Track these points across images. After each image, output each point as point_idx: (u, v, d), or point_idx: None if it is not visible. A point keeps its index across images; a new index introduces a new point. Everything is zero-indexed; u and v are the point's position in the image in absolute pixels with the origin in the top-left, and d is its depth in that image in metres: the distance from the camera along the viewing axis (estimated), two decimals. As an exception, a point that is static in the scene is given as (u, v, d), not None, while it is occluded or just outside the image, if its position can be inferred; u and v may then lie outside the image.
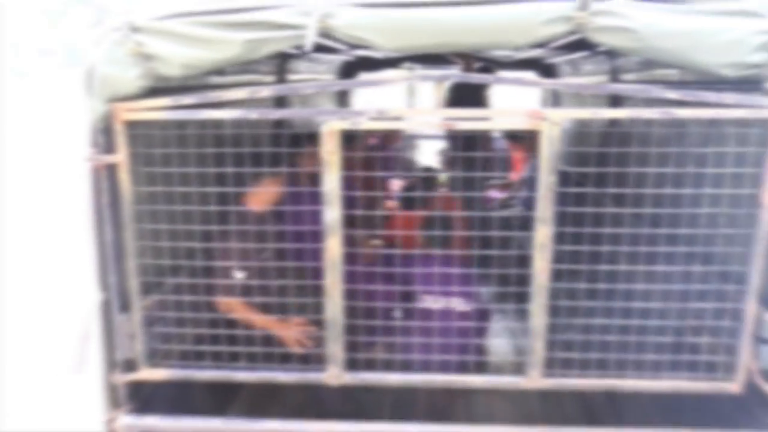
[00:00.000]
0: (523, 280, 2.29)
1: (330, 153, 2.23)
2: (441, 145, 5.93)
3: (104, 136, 2.28)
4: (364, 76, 5.34)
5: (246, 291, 2.92)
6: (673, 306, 2.28)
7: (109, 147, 2.28)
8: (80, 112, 2.26)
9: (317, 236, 2.35)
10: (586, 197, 2.32)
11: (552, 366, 2.28)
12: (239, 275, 2.93)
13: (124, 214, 2.36)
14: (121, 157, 2.28)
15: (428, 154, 6.21)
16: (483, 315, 3.02)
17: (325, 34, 2.18)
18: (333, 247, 2.32)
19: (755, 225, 2.12)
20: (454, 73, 3.62)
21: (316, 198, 2.31)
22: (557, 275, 2.23)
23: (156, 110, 2.27)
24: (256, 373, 2.54)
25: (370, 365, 2.53)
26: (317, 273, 2.41)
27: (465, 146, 3.03)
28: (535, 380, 2.28)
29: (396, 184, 4.73)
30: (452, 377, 2.52)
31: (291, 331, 2.97)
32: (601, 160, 2.38)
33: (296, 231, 2.67)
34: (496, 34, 2.07)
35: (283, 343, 2.92)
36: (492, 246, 2.47)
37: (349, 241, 2.40)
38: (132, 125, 2.29)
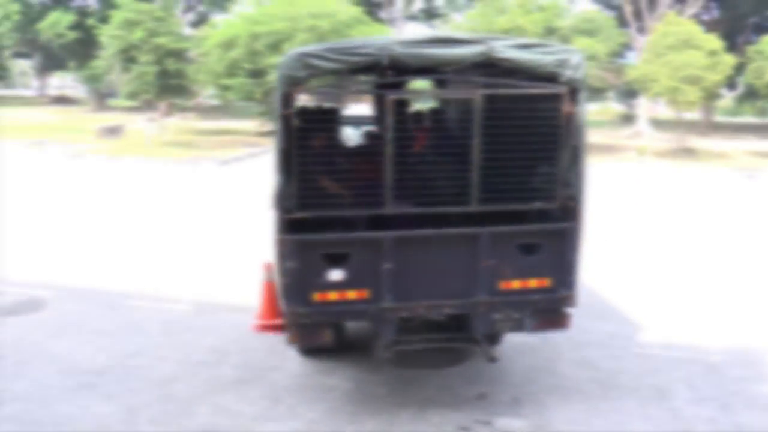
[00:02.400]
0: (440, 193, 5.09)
1: (390, 113, 4.88)
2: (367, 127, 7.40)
3: (285, 101, 4.76)
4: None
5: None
6: (534, 179, 5.22)
7: (287, 106, 4.77)
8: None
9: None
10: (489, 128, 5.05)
11: (482, 200, 5.06)
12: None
13: (292, 136, 4.80)
14: (291, 111, 4.80)
15: (353, 136, 7.79)
16: None
17: (390, 58, 4.75)
18: (389, 149, 4.91)
19: (558, 142, 5.10)
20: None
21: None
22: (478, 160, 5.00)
23: (310, 90, 5.17)
24: (353, 210, 5.17)
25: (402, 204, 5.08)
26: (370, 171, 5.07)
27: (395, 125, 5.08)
28: (474, 207, 5.10)
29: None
30: (436, 208, 5.12)
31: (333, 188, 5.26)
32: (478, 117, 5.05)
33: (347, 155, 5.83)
34: (459, 59, 4.85)
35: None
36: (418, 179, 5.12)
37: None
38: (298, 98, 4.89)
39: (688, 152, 24.96)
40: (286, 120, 4.79)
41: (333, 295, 4.99)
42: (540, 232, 5.29)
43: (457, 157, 5.10)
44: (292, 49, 4.88)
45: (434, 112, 6.93)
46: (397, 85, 6.07)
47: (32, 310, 7.49)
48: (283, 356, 6.37)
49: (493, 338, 5.87)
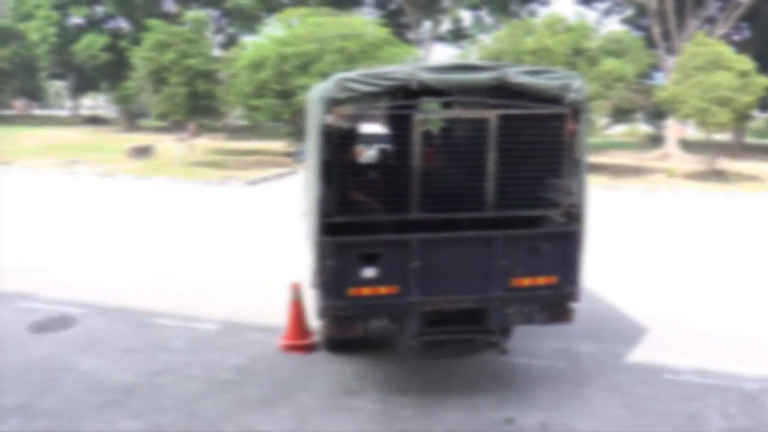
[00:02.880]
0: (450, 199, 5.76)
1: (416, 129, 5.69)
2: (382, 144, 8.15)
3: (326, 119, 5.47)
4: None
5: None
6: (541, 188, 5.98)
7: (328, 123, 5.51)
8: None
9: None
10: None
11: (496, 206, 5.81)
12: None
13: (332, 150, 5.62)
14: (332, 128, 5.59)
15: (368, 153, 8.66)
16: None
17: (419, 83, 5.44)
18: (416, 162, 5.68)
19: (562, 156, 5.82)
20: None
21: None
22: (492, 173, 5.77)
23: (346, 109, 5.69)
24: (383, 216, 5.77)
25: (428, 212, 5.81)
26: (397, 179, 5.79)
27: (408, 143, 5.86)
28: (490, 213, 5.82)
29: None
30: (458, 214, 5.84)
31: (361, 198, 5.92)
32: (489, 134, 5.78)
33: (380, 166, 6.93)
34: (477, 83, 5.56)
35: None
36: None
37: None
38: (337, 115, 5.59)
39: (719, 175, 24.63)
40: (327, 136, 5.50)
41: (366, 291, 5.59)
42: (547, 235, 5.96)
43: (474, 169, 5.81)
44: (321, 71, 5.88)
45: (445, 130, 7.51)
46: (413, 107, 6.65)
47: (62, 327, 7.58)
48: (309, 377, 6.35)
49: (505, 331, 6.30)
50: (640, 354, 7.14)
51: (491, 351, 6.10)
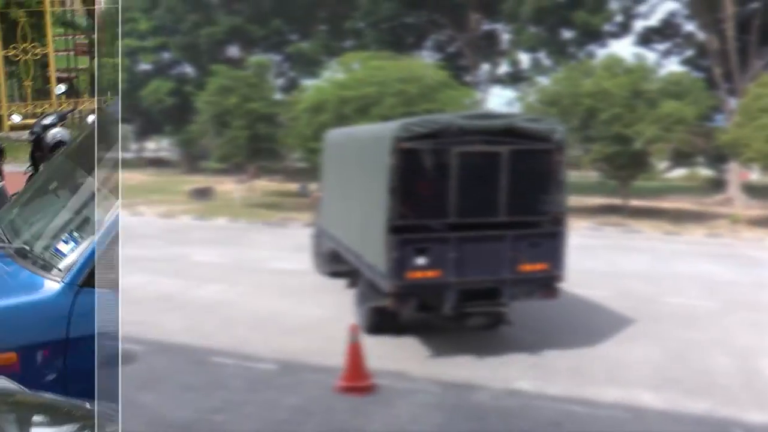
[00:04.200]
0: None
1: (455, 160, 7.97)
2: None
3: (394, 153, 7.44)
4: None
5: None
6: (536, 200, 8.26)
7: (395, 156, 7.40)
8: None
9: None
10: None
11: (507, 213, 8.12)
12: None
13: (397, 175, 7.42)
14: (395, 159, 7.42)
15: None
16: None
17: (457, 126, 7.83)
18: (454, 182, 7.98)
19: (551, 178, 8.29)
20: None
21: None
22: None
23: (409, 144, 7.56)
24: (430, 220, 8.13)
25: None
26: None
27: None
28: (502, 218, 8.07)
29: None
30: (481, 218, 8.04)
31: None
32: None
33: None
34: (495, 127, 8.06)
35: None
36: None
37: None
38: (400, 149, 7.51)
39: (787, 220, 23.72)
40: (394, 165, 7.42)
41: (418, 274, 7.52)
42: (542, 233, 8.14)
43: (492, 187, 8.07)
44: (380, 114, 7.10)
45: (473, 159, 9.04)
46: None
47: (123, 362, 7.73)
48: (367, 418, 6.32)
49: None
50: (707, 406, 6.85)
51: (501, 323, 8.32)
